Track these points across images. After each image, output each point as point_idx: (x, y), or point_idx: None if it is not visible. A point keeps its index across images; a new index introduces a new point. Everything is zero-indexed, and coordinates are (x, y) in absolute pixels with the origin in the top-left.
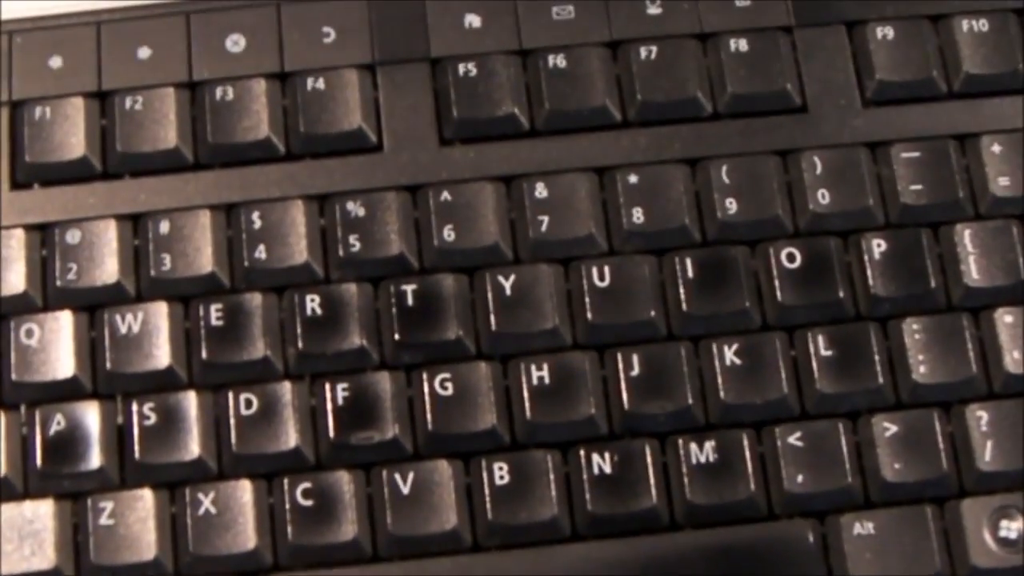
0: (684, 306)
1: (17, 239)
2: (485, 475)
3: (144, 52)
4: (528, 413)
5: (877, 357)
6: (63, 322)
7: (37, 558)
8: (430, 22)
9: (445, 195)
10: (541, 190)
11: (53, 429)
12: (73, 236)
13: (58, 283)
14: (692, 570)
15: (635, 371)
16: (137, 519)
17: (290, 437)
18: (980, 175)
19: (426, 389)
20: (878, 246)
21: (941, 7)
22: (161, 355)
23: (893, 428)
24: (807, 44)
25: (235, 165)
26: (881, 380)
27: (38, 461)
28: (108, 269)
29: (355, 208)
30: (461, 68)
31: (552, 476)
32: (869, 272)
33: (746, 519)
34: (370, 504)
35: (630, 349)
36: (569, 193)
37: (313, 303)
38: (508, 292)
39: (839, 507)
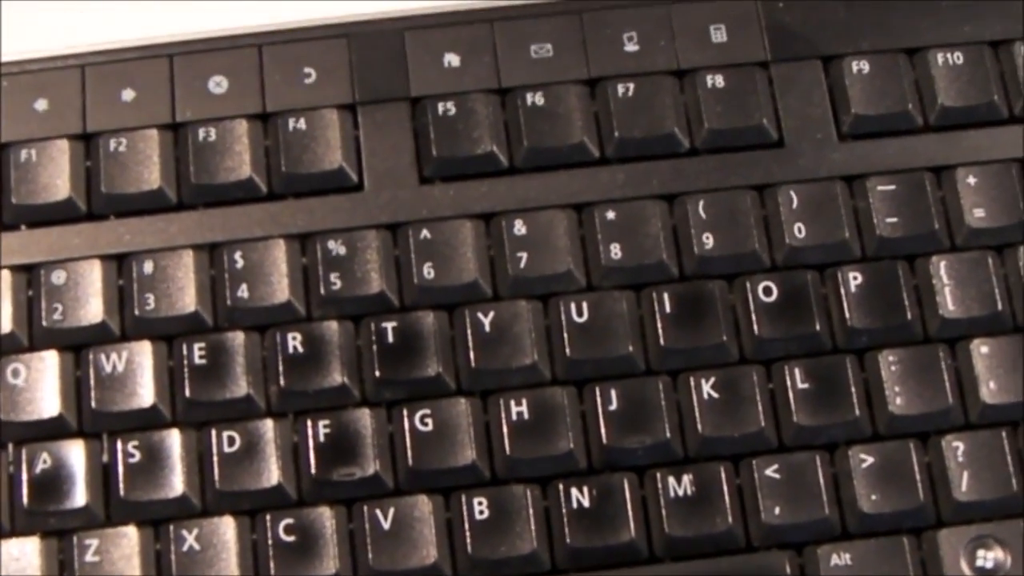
0: (662, 340)
1: (4, 280)
2: (465, 510)
3: (128, 94)
4: (507, 448)
5: (854, 389)
6: (49, 362)
7: None
8: (410, 62)
9: (425, 233)
10: (520, 227)
11: (39, 467)
12: (58, 277)
13: (44, 323)
14: None
15: (613, 405)
16: (122, 556)
17: (272, 474)
18: (956, 207)
19: (406, 425)
20: (854, 279)
21: (916, 40)
22: (145, 394)
23: (870, 459)
24: (783, 79)
25: (218, 205)
26: (858, 412)
27: (24, 499)
28: (93, 309)
29: (336, 247)
30: (440, 107)
31: (531, 510)
32: (846, 304)
33: (724, 551)
34: (352, 540)
35: (608, 384)
36: (547, 230)
37: (295, 341)
38: (487, 328)
39: (817, 539)
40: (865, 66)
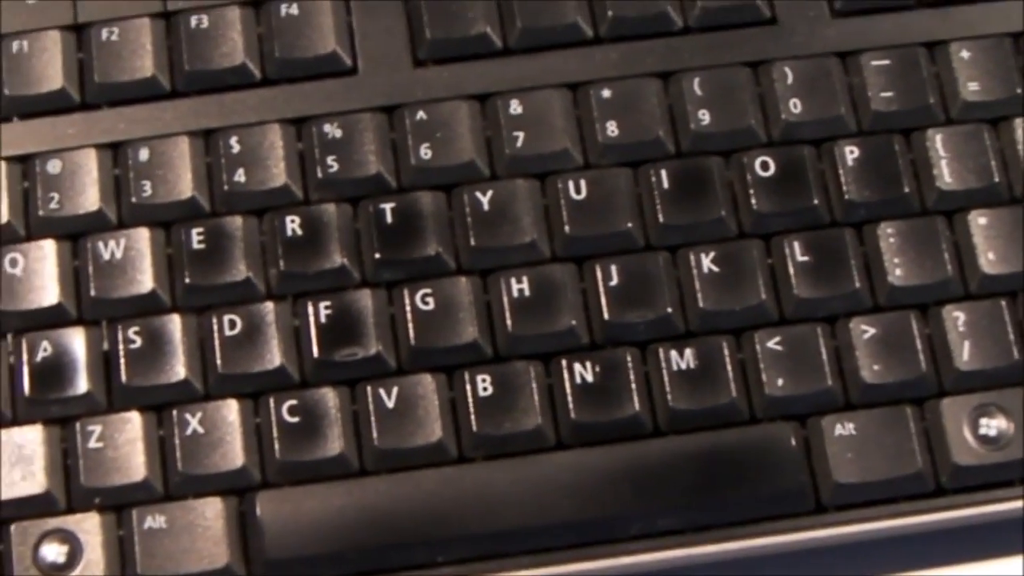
0: (660, 217)
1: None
2: (468, 388)
3: None
4: (509, 326)
5: (853, 262)
6: (47, 251)
7: (28, 483)
8: None
9: (421, 114)
10: (516, 107)
11: (40, 356)
12: (54, 166)
13: (40, 213)
14: (675, 475)
15: (614, 281)
16: (126, 441)
17: (274, 356)
18: (950, 81)
19: (408, 305)
20: (851, 153)
21: None
22: (144, 280)
23: (871, 331)
24: None
25: (212, 92)
26: (858, 284)
27: (26, 388)
28: (90, 197)
29: (332, 130)
30: None
31: (535, 386)
32: (843, 178)
33: (728, 424)
34: (355, 420)
35: (608, 260)
36: (543, 109)
37: (293, 224)
38: (486, 208)
39: (820, 410)
40: None
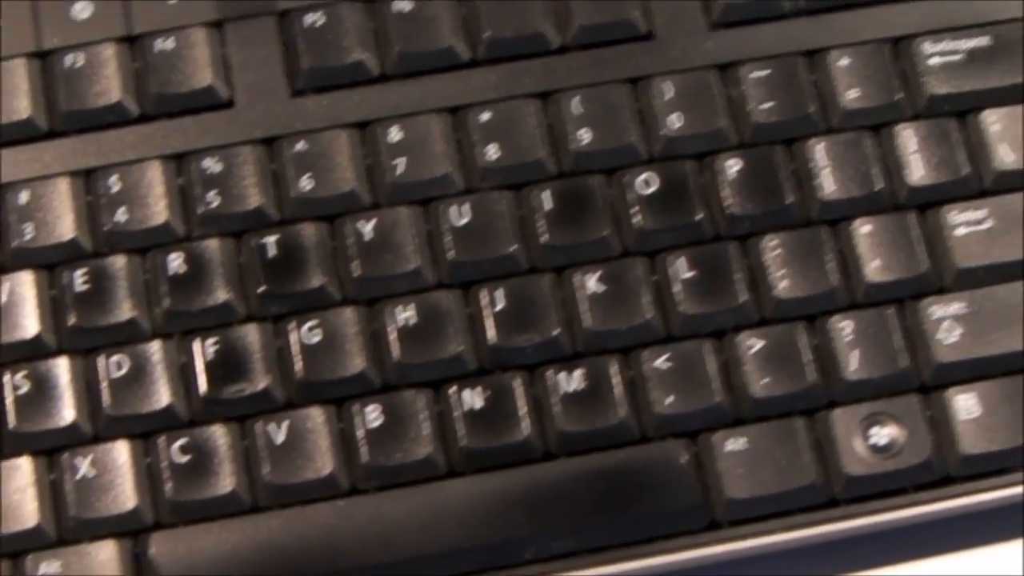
0: (544, 238)
1: None
2: (358, 419)
3: None
4: (397, 355)
5: (738, 275)
6: None
7: None
8: None
9: (300, 145)
10: (395, 134)
11: None
12: None
13: None
14: (568, 497)
15: (500, 306)
16: (16, 488)
17: (162, 395)
18: (830, 89)
19: (294, 338)
20: (733, 166)
21: None
22: (29, 324)
23: (758, 344)
24: None
25: (90, 130)
26: (743, 298)
27: None
28: None
29: (212, 164)
30: (308, 19)
31: (425, 415)
32: (726, 192)
33: (619, 444)
34: (246, 456)
35: (494, 284)
36: (423, 135)
37: (176, 261)
38: (369, 237)
39: (710, 426)
40: None
